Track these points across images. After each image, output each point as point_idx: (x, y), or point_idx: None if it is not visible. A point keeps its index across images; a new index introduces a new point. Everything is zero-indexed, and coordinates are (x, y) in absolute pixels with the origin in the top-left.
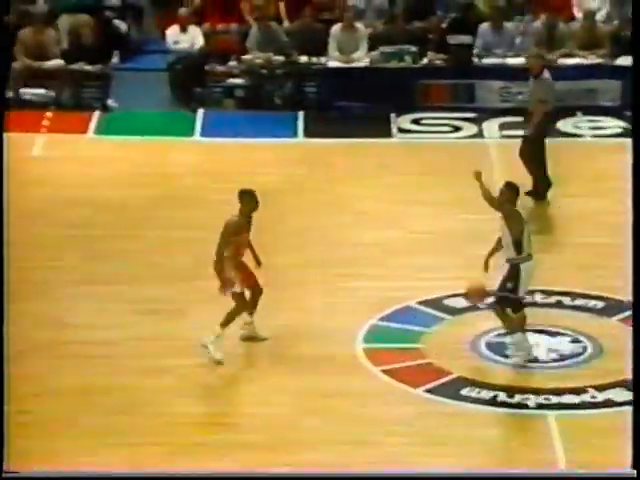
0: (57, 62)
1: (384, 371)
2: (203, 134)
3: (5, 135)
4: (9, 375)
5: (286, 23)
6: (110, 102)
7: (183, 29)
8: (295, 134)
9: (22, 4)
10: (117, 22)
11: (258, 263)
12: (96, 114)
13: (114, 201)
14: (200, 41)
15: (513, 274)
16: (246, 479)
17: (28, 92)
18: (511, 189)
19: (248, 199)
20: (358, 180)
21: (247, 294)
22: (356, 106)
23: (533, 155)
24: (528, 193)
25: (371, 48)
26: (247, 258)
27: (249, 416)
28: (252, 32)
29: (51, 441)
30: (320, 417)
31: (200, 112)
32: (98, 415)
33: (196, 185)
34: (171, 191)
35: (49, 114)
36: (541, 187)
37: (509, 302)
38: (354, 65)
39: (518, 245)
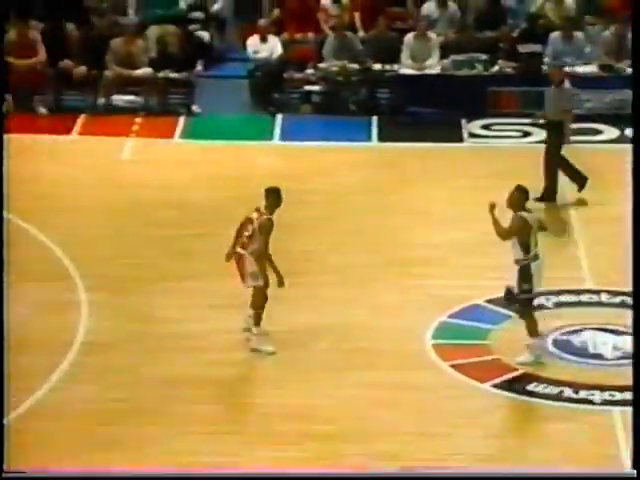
0: (146, 70)
1: (452, 366)
2: (281, 138)
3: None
4: (102, 365)
5: (361, 32)
6: (194, 107)
7: (263, 39)
8: (369, 138)
9: (114, 15)
10: (201, 33)
11: (280, 281)
12: (181, 119)
13: (198, 202)
14: (279, 50)
15: (525, 275)
16: (251, 479)
17: (119, 99)
18: (521, 192)
19: (274, 197)
20: (429, 182)
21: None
22: (428, 112)
23: (552, 161)
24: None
25: (443, 56)
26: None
27: (323, 407)
28: (328, 41)
29: (142, 428)
30: (390, 409)
31: (279, 117)
32: (184, 404)
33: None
34: (251, 192)
35: (138, 119)
36: (550, 191)
37: (527, 302)
38: (426, 72)
39: (525, 246)
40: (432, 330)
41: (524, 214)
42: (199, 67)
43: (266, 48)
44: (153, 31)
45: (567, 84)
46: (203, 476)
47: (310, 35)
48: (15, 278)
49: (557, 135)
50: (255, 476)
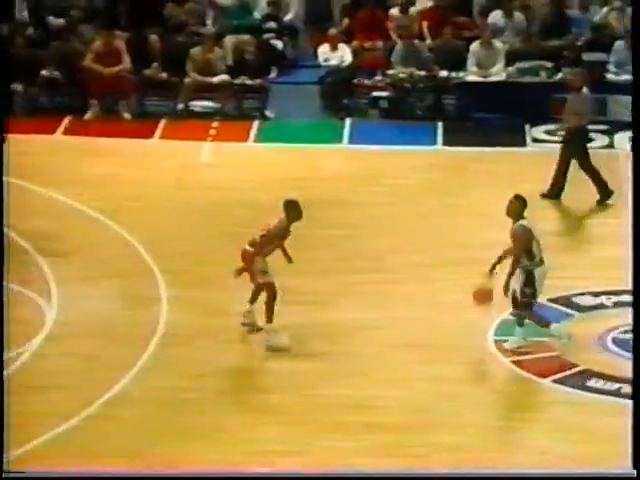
0: (223, 77)
1: (514, 362)
2: (350, 141)
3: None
4: (181, 356)
5: (428, 40)
6: (268, 112)
7: (334, 47)
8: (434, 142)
9: (193, 26)
10: (275, 41)
11: (289, 260)
12: (255, 123)
13: (271, 202)
14: (349, 57)
15: (529, 280)
16: (246, 479)
17: (197, 104)
18: (519, 201)
19: (292, 209)
20: (491, 185)
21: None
22: (492, 117)
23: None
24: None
25: (508, 64)
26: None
27: (388, 399)
28: (397, 49)
29: (218, 417)
30: (454, 402)
31: (347, 121)
32: (257, 395)
33: (343, 187)
34: (322, 193)
35: (215, 124)
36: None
37: (528, 306)
38: (491, 79)
39: (529, 253)
40: (494, 327)
41: (524, 222)
42: (273, 74)
43: (336, 56)
44: (230, 40)
45: (585, 90)
46: (204, 476)
47: (379, 43)
48: (100, 274)
49: (580, 140)
50: (257, 476)
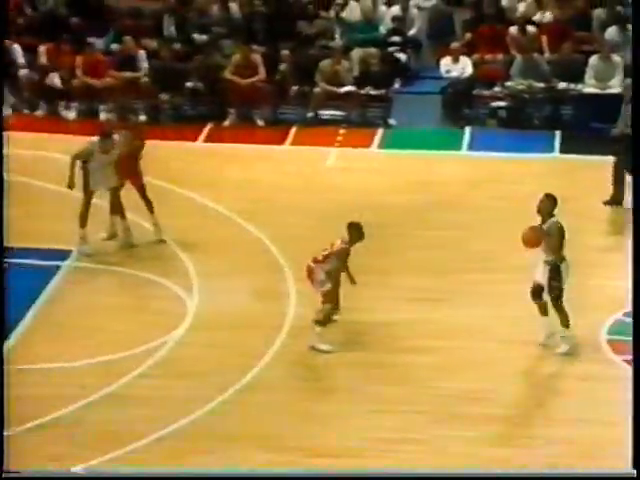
0: (349, 87)
1: (626, 360)
2: (469, 148)
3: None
4: (303, 347)
5: (547, 54)
6: (391, 120)
7: (455, 59)
8: (551, 150)
9: (323, 40)
10: (399, 54)
11: (353, 282)
12: (379, 130)
13: (393, 204)
14: (469, 69)
15: (556, 273)
16: (245, 479)
17: (325, 112)
18: (550, 200)
19: (355, 231)
20: (604, 192)
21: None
22: (609, 127)
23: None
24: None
25: (625, 77)
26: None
27: (505, 393)
28: (516, 62)
29: (337, 404)
30: (569, 398)
31: (467, 130)
32: (375, 385)
33: (462, 192)
34: (441, 197)
35: (341, 131)
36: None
37: (560, 295)
38: (608, 91)
39: (557, 249)
40: (608, 326)
41: (556, 219)
42: (396, 84)
43: (458, 68)
44: (356, 53)
45: None
46: (204, 476)
47: (499, 56)
48: (236, 270)
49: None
50: (259, 476)
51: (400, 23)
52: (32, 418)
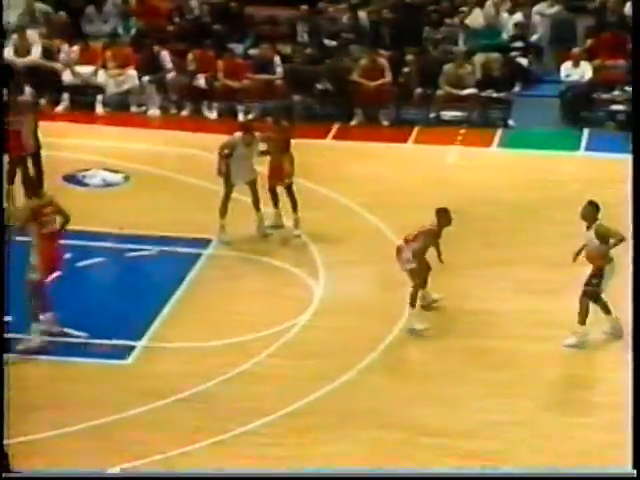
0: (471, 90)
1: None
2: (587, 149)
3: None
4: (425, 333)
5: None
6: (510, 122)
7: (575, 64)
8: None
9: (448, 45)
10: (521, 59)
11: (441, 260)
12: (499, 131)
13: (511, 201)
14: (589, 74)
15: (598, 273)
16: (246, 479)
17: (447, 113)
18: (593, 206)
19: (443, 216)
20: None
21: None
22: None
23: None
24: None
25: None
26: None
27: (609, 381)
28: None
29: (451, 388)
30: None
31: (585, 131)
32: (485, 370)
33: (577, 190)
34: (556, 194)
35: (462, 131)
36: None
37: (592, 295)
38: None
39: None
40: None
41: (603, 224)
42: (517, 88)
43: (577, 72)
44: (479, 58)
45: None
46: (206, 476)
47: (620, 62)
48: (359, 259)
49: None
50: (258, 476)
51: (522, 29)
52: (174, 392)
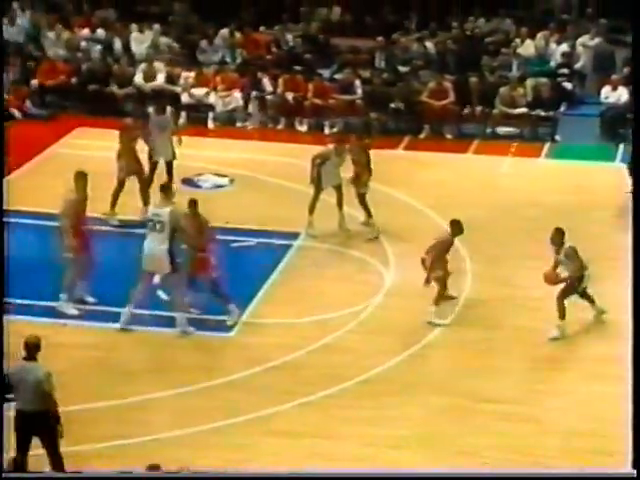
0: (522, 109)
1: None
2: (621, 161)
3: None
4: (479, 316)
5: None
6: (557, 137)
7: (614, 88)
8: None
9: (503, 71)
10: (566, 83)
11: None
12: (546, 145)
13: (554, 203)
14: (626, 97)
15: (573, 284)
16: (246, 479)
17: (501, 129)
18: (560, 232)
19: (455, 227)
20: None
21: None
22: None
23: None
24: None
25: None
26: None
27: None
28: None
29: (505, 362)
30: None
31: (621, 146)
32: (528, 347)
33: (611, 195)
34: (593, 198)
35: (514, 144)
36: None
37: (568, 295)
38: None
39: (578, 268)
40: None
41: (568, 246)
42: (563, 108)
43: (615, 95)
44: (530, 82)
45: None
46: (205, 476)
47: None
48: (423, 251)
49: None
50: (257, 476)
51: (568, 58)
52: (269, 361)
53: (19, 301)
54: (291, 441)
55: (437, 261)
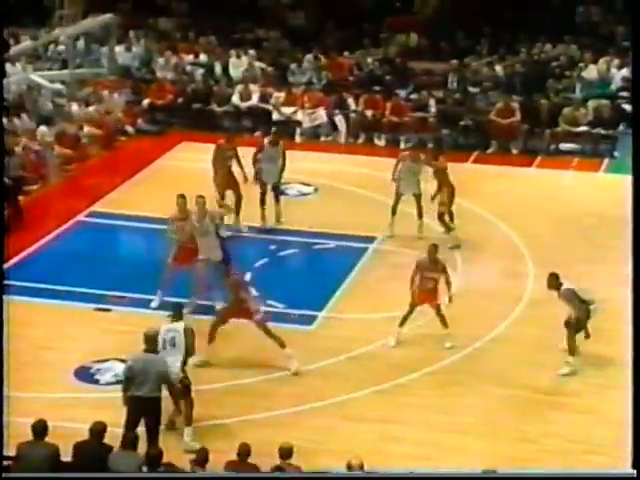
0: (584, 128)
1: None
2: None
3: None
4: (539, 315)
5: None
6: (616, 153)
7: None
8: None
9: (567, 93)
10: (625, 105)
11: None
12: (606, 160)
13: (612, 214)
14: None
15: (577, 321)
16: (246, 479)
17: (564, 145)
18: (555, 277)
19: (432, 250)
20: None
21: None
22: None
23: None
24: None
25: None
26: None
27: None
28: None
29: (556, 356)
30: None
31: None
32: (584, 344)
33: None
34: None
35: (576, 159)
36: None
37: (575, 331)
38: None
39: (579, 307)
40: None
41: (565, 287)
42: (621, 127)
43: None
44: (592, 103)
45: None
46: (205, 476)
47: None
48: (490, 255)
49: None
50: (260, 476)
51: (628, 82)
52: (346, 352)
53: (124, 294)
54: (363, 425)
55: (411, 282)
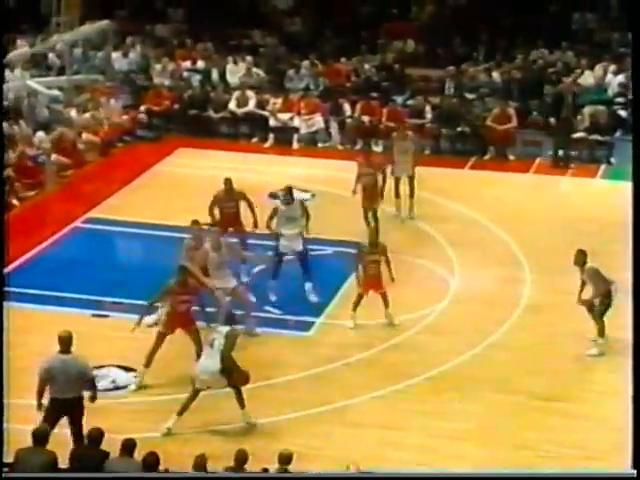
0: (581, 134)
1: None
2: None
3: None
4: (535, 321)
5: None
6: (612, 159)
7: None
8: None
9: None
10: (621, 111)
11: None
12: (602, 166)
13: (608, 219)
14: None
15: (603, 299)
16: (247, 479)
17: (561, 151)
18: (582, 253)
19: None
20: None
21: None
22: None
23: None
24: None
25: None
26: None
27: None
28: None
29: (558, 361)
30: None
31: None
32: (582, 349)
33: None
34: None
35: (573, 165)
36: None
37: (603, 312)
38: None
39: (600, 289)
40: None
41: (590, 266)
42: (618, 133)
43: None
44: (588, 110)
45: None
46: (205, 476)
47: None
48: (488, 262)
49: None
50: (262, 476)
51: (624, 88)
52: (343, 358)
53: (121, 300)
54: (362, 431)
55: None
